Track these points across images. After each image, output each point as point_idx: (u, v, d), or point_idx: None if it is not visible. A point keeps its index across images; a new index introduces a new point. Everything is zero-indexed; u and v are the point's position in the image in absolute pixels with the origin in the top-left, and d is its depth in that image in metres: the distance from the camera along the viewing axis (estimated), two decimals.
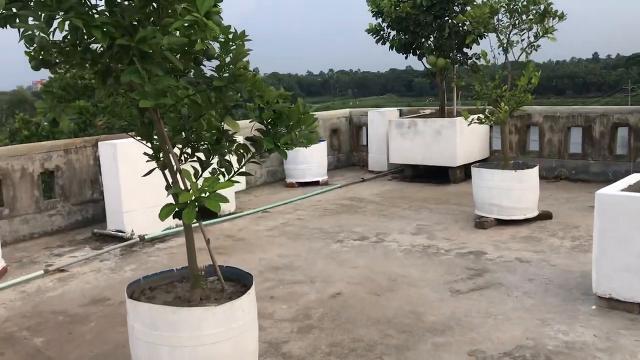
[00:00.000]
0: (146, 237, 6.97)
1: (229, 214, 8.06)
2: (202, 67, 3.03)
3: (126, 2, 2.81)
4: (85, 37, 2.75)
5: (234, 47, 2.87)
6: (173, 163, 3.19)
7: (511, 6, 7.24)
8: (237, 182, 3.33)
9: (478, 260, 5.85)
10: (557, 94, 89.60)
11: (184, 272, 3.60)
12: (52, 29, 2.64)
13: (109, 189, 7.20)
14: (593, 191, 4.79)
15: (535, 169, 7.15)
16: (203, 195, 2.81)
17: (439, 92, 10.73)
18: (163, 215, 2.88)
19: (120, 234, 7.06)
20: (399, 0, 9.85)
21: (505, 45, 7.32)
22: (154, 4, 2.79)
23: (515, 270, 5.49)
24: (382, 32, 10.47)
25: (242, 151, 3.39)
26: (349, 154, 12.46)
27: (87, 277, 5.84)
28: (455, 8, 9.73)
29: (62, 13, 2.48)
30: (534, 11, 7.15)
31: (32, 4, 2.49)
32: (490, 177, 7.07)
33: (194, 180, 2.99)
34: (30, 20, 2.58)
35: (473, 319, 4.46)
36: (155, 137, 3.30)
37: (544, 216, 7.23)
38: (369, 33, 10.57)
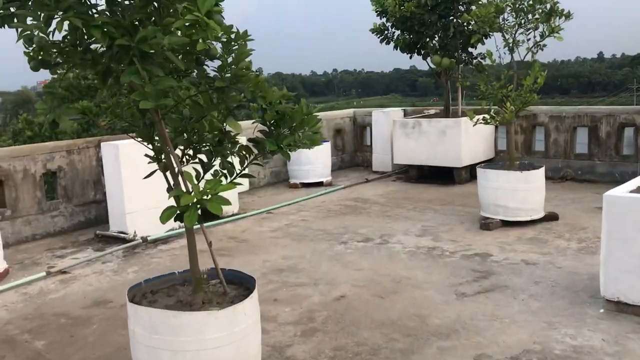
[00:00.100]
0: (149, 238, 6.93)
1: (232, 215, 8.01)
2: (204, 67, 2.99)
3: (127, 2, 2.77)
4: (86, 37, 2.70)
5: (236, 47, 2.82)
6: (174, 165, 3.14)
7: (517, 5, 7.17)
8: (240, 184, 3.28)
9: (484, 262, 5.79)
10: (562, 93, 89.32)
11: (186, 275, 3.56)
12: (51, 29, 2.60)
13: (112, 190, 7.16)
14: (599, 192, 4.73)
15: (541, 170, 7.08)
16: (205, 197, 2.77)
17: (443, 92, 10.66)
18: (164, 218, 2.83)
19: (122, 235, 7.02)
20: None
21: (511, 44, 7.25)
22: (155, 3, 2.74)
23: (521, 273, 5.42)
24: (386, 32, 10.40)
25: (244, 153, 3.34)
26: (353, 155, 12.40)
27: (90, 279, 5.80)
28: (460, 7, 9.66)
29: (61, 13, 2.43)
30: (540, 10, 7.09)
31: (30, 3, 2.44)
32: (495, 178, 7.01)
33: (196, 182, 2.94)
34: (29, 20, 2.53)
35: (479, 322, 4.40)
36: (157, 138, 3.26)
37: (550, 217, 7.16)
38: (373, 33, 10.51)
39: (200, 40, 2.57)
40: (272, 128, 3.20)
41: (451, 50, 9.85)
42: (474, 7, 8.22)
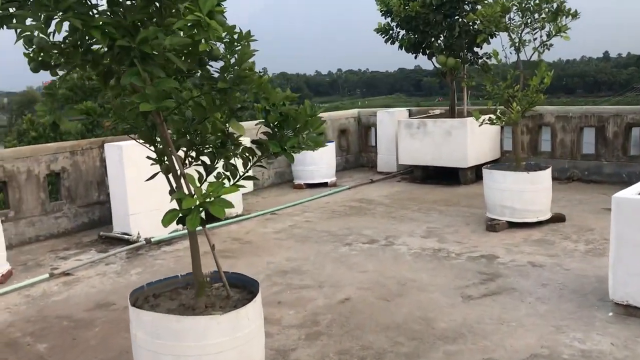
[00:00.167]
0: (152, 239, 6.90)
1: (236, 216, 7.97)
2: (207, 68, 2.94)
3: (128, 2, 2.72)
4: (87, 38, 2.66)
5: (239, 47, 2.77)
6: (177, 167, 3.10)
7: (523, 4, 7.10)
8: (243, 186, 3.24)
9: (490, 264, 5.72)
10: (567, 93, 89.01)
11: (189, 279, 3.52)
12: (51, 30, 2.56)
13: (115, 191, 7.13)
14: (607, 192, 4.67)
15: (548, 171, 7.01)
16: (207, 200, 2.72)
17: (447, 92, 10.60)
18: (166, 221, 2.78)
19: (126, 236, 6.99)
20: None
21: (517, 44, 7.18)
22: (156, 3, 2.70)
23: (528, 275, 5.36)
24: (391, 32, 10.35)
25: (247, 155, 3.29)
26: (358, 155, 12.35)
27: (93, 280, 5.76)
28: (466, 7, 9.58)
29: (61, 13, 2.39)
30: (547, 9, 7.01)
31: (29, 4, 2.39)
32: (502, 178, 6.94)
33: (198, 185, 2.89)
34: (29, 21, 2.49)
35: (485, 325, 4.34)
36: (159, 140, 3.21)
37: (557, 219, 7.08)
38: (378, 33, 10.45)
39: (203, 41, 2.52)
40: (276, 130, 3.15)
41: (456, 50, 9.79)
42: (479, 7, 8.16)
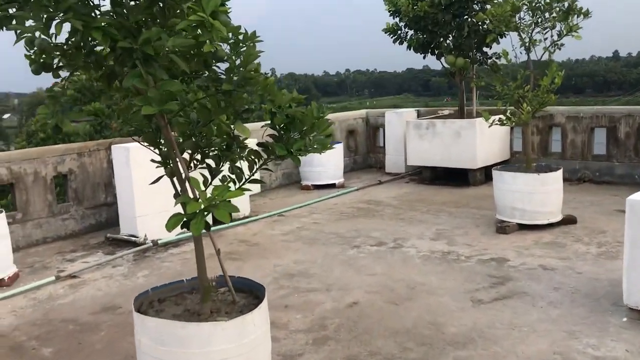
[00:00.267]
0: (159, 241, 6.86)
1: (244, 217, 7.92)
2: (214, 69, 2.88)
3: (132, 2, 2.67)
4: (89, 39, 2.61)
5: (245, 48, 2.71)
6: (181, 170, 3.04)
7: (534, 4, 7.00)
8: (249, 190, 3.18)
9: (500, 267, 5.64)
10: (576, 92, 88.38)
11: (194, 283, 3.46)
12: (53, 32, 2.51)
13: (122, 193, 7.10)
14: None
15: (559, 172, 6.91)
16: (212, 204, 2.66)
17: (456, 92, 10.51)
18: (170, 226, 2.72)
19: (133, 238, 6.96)
20: None
21: (527, 44, 7.09)
22: (160, 3, 2.64)
23: (540, 279, 5.27)
24: (399, 32, 10.26)
25: (253, 157, 3.23)
26: (366, 156, 12.27)
27: (99, 283, 5.73)
28: (475, 6, 9.48)
29: (61, 14, 2.34)
30: (558, 9, 6.91)
31: (29, 4, 2.34)
32: (512, 180, 6.85)
33: (203, 188, 2.84)
34: (30, 22, 2.44)
35: (496, 330, 4.26)
36: (163, 142, 3.16)
37: (568, 221, 6.98)
38: (386, 33, 10.37)
39: (207, 42, 2.46)
40: (282, 132, 3.09)
41: (465, 50, 9.70)
42: (489, 6, 8.06)
